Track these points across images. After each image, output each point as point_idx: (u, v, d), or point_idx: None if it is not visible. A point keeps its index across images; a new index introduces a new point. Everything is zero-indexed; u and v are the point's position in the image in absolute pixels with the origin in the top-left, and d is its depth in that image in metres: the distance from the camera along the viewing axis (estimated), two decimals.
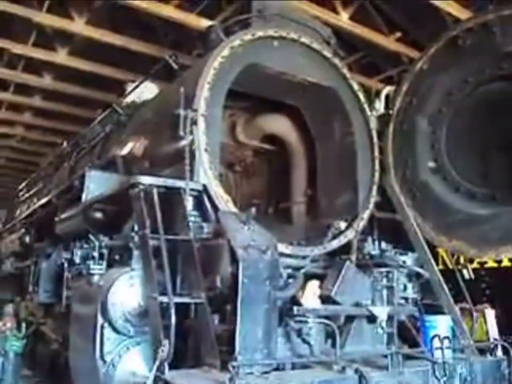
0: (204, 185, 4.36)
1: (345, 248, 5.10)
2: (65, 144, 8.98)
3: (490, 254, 5.20)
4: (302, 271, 4.70)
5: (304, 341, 4.23)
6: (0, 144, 14.32)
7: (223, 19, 5.83)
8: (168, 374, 3.19)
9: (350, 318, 4.55)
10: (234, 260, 3.69)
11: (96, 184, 5.08)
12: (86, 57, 9.33)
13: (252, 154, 6.87)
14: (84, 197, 5.06)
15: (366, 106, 5.76)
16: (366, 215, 5.44)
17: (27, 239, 7.90)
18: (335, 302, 4.42)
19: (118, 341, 3.93)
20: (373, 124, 5.78)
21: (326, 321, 4.23)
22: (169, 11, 7.77)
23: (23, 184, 11.79)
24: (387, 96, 6.12)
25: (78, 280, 4.90)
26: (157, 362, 3.21)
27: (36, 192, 9.60)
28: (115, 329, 3.92)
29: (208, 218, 4.30)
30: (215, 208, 4.34)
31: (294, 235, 5.43)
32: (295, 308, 4.08)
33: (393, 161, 5.86)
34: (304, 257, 4.86)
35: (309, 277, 4.59)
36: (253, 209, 4.06)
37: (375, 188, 5.60)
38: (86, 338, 4.09)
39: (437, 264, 5.63)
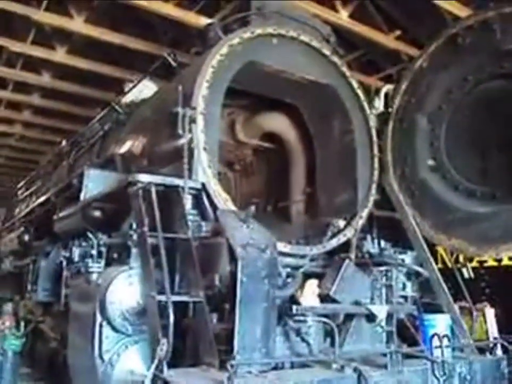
0: (203, 184, 4.35)
1: (344, 247, 5.09)
2: (64, 142, 8.96)
3: (490, 252, 5.18)
4: (301, 270, 4.70)
5: (303, 339, 4.23)
6: None
7: (222, 17, 5.81)
8: (166, 372, 3.18)
9: (349, 317, 4.53)
10: (233, 259, 3.68)
11: (95, 182, 5.07)
12: (85, 55, 9.31)
13: (251, 153, 6.86)
14: (82, 195, 5.04)
15: (365, 104, 5.75)
16: (365, 213, 5.43)
17: (26, 237, 7.88)
18: (334, 301, 4.41)
19: (116, 340, 3.93)
20: (372, 122, 5.77)
21: (325, 320, 4.22)
22: (168, 9, 7.75)
23: (22, 183, 11.78)
24: (386, 95, 6.11)
25: (77, 279, 4.89)
26: (155, 361, 3.20)
27: (34, 190, 9.58)
28: (113, 328, 3.91)
29: (207, 216, 4.29)
30: (214, 206, 4.33)
31: (293, 234, 5.43)
32: (294, 307, 4.06)
33: (392, 160, 5.85)
34: (303, 256, 4.85)
35: (308, 276, 4.58)
36: (252, 208, 4.05)
37: (374, 186, 5.60)
38: (84, 337, 4.09)
39: (436, 263, 5.62)
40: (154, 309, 3.52)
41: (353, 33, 8.67)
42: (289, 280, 4.48)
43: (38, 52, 9.01)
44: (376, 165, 5.67)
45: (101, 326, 3.91)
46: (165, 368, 3.19)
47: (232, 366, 2.98)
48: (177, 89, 4.49)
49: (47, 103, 11.30)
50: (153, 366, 3.17)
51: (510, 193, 5.11)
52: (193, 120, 4.37)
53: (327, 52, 5.57)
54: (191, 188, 4.24)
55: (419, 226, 5.48)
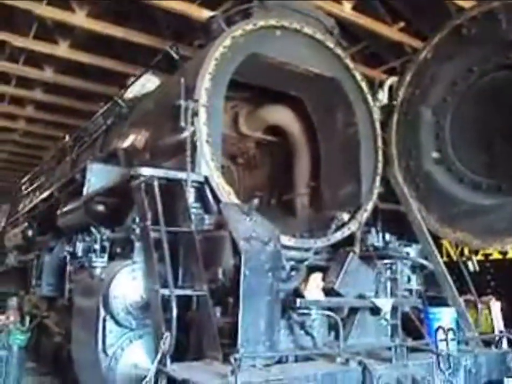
0: (206, 177, 4.33)
1: (349, 240, 5.06)
2: (67, 137, 8.94)
3: (495, 245, 5.15)
4: (305, 263, 4.67)
5: (307, 333, 4.21)
6: (2, 138, 14.31)
7: (224, 9, 5.76)
8: (170, 366, 3.16)
9: (353, 310, 4.51)
10: (236, 252, 3.66)
11: (98, 177, 5.06)
12: (87, 49, 9.27)
13: (255, 146, 6.83)
14: (85, 189, 5.04)
15: (369, 96, 5.71)
16: (369, 206, 5.40)
17: (30, 232, 7.89)
18: (338, 294, 4.38)
19: (120, 334, 3.92)
20: (376, 115, 5.73)
21: (329, 313, 4.20)
22: (171, 2, 7.69)
23: (26, 178, 11.78)
24: (391, 87, 6.06)
25: (80, 273, 4.88)
26: (159, 355, 3.18)
27: (38, 186, 9.58)
28: (117, 322, 3.91)
29: (210, 210, 4.28)
30: (217, 199, 4.31)
31: (297, 227, 5.40)
32: (298, 300, 4.04)
33: (397, 152, 5.82)
34: (307, 250, 4.82)
35: (312, 269, 4.55)
36: (255, 201, 4.03)
37: (378, 179, 5.56)
38: (88, 331, 4.08)
39: (441, 256, 5.58)
40: (158, 303, 3.50)
41: (357, 25, 8.60)
42: (293, 273, 4.45)
43: (40, 47, 8.98)
44: (380, 157, 5.64)
45: (104, 320, 3.91)
46: (168, 362, 3.18)
47: (235, 359, 2.95)
48: (180, 82, 4.47)
49: (49, 98, 11.28)
50: (157, 360, 3.16)
51: None
52: (195, 113, 4.34)
53: (330, 44, 5.53)
54: (194, 181, 4.23)
55: (424, 219, 5.45)
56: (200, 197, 4.33)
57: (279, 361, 3.66)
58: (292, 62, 5.29)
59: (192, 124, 4.34)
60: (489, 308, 5.31)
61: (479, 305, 5.25)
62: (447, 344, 4.07)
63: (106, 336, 3.88)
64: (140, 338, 3.92)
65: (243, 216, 3.96)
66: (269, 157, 6.82)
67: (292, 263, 4.59)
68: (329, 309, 4.26)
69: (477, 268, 5.91)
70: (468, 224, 5.27)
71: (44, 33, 8.88)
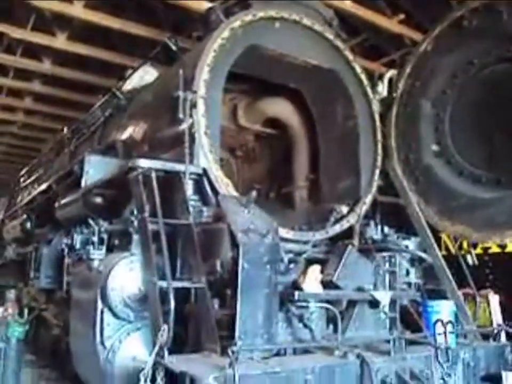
0: (204, 169, 4.31)
1: (347, 233, 5.05)
2: (65, 130, 8.91)
3: (494, 238, 5.14)
4: (304, 256, 4.66)
5: (305, 326, 4.21)
6: (1, 130, 14.27)
7: (223, 0, 5.72)
8: (167, 358, 3.15)
9: (352, 303, 4.50)
10: (234, 244, 3.65)
11: (96, 169, 5.03)
12: (85, 41, 9.23)
13: (254, 138, 6.81)
14: (83, 181, 5.01)
15: (368, 89, 5.68)
16: (368, 199, 5.38)
17: (28, 225, 7.87)
18: (336, 287, 4.37)
19: (118, 326, 3.91)
20: (376, 107, 5.70)
21: (327, 306, 4.20)
22: None
23: (24, 171, 11.75)
24: (390, 80, 6.03)
25: (78, 266, 4.87)
26: (156, 347, 3.17)
27: (36, 178, 9.56)
28: (115, 315, 3.89)
29: (208, 202, 4.26)
30: (215, 192, 4.29)
31: (296, 220, 5.39)
32: (296, 293, 4.04)
33: (396, 145, 5.79)
34: (305, 242, 4.81)
35: (310, 262, 4.55)
36: (253, 193, 4.01)
37: (377, 172, 5.54)
38: (86, 324, 4.07)
39: (440, 249, 5.57)
40: (156, 295, 3.49)
41: (356, 17, 8.55)
42: (291, 266, 4.45)
43: (38, 38, 8.93)
44: (379, 150, 5.61)
45: (102, 312, 3.89)
46: (166, 354, 3.17)
47: (233, 352, 2.94)
48: (178, 73, 4.44)
49: (48, 90, 11.24)
50: (154, 352, 3.14)
51: None
52: (194, 105, 4.32)
53: (329, 35, 5.49)
54: (192, 173, 4.21)
55: (423, 212, 5.43)
56: (199, 189, 4.31)
57: (277, 354, 3.65)
58: (291, 53, 5.26)
59: (191, 115, 4.32)
60: (487, 301, 5.31)
61: (478, 299, 5.25)
62: (445, 337, 4.06)
63: (104, 328, 3.87)
64: (138, 330, 3.90)
65: (241, 208, 3.95)
66: (268, 150, 6.79)
67: (290, 255, 4.59)
68: (328, 301, 4.25)
69: (476, 262, 5.90)
70: (468, 218, 5.25)
71: (42, 24, 8.83)
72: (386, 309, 4.51)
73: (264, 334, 3.59)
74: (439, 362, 3.96)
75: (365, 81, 5.65)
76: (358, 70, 5.64)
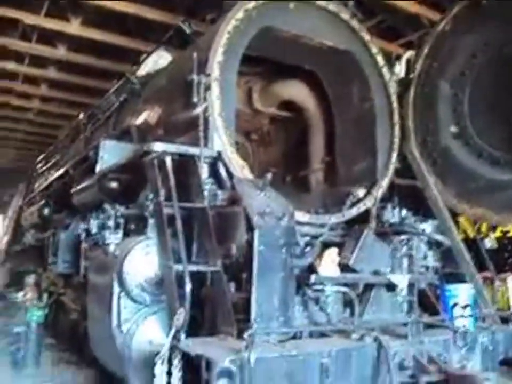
0: (219, 152, 4.28)
1: (364, 216, 5.00)
2: (81, 115, 8.95)
3: None
4: (320, 239, 4.62)
5: (321, 309, 4.19)
6: (18, 117, 14.37)
7: None
8: (184, 342, 3.16)
9: (368, 287, 4.47)
10: (250, 227, 3.63)
11: (111, 153, 5.04)
12: (100, 27, 9.20)
13: (269, 122, 6.76)
14: (98, 166, 5.03)
15: (385, 70, 5.58)
16: (385, 182, 5.31)
17: (46, 211, 7.95)
18: (353, 270, 4.34)
19: (134, 310, 3.93)
20: (393, 89, 5.60)
21: (344, 289, 4.17)
22: None
23: (41, 157, 11.86)
24: (408, 61, 5.92)
25: (95, 250, 4.90)
26: (173, 331, 3.18)
27: (53, 164, 9.64)
28: (131, 298, 3.92)
29: (224, 185, 4.23)
30: (230, 175, 4.26)
31: (312, 203, 5.34)
32: (312, 276, 4.01)
33: (414, 127, 5.69)
34: (322, 226, 4.76)
35: (326, 245, 4.51)
36: (269, 175, 3.97)
37: (394, 154, 5.46)
38: (103, 308, 4.10)
39: (458, 233, 5.50)
40: (172, 279, 3.49)
41: None
42: (307, 249, 4.41)
43: (52, 24, 8.93)
44: (396, 132, 5.53)
45: (119, 296, 3.92)
46: (183, 337, 3.18)
47: (249, 335, 2.93)
48: (192, 56, 4.40)
49: (63, 76, 11.26)
50: (171, 335, 3.15)
51: None
52: (208, 87, 4.28)
53: (345, 16, 5.39)
54: (206, 157, 4.18)
55: (441, 195, 5.35)
56: (214, 172, 4.28)
57: (294, 337, 3.64)
58: (305, 34, 5.17)
59: (205, 98, 4.28)
60: (506, 285, 5.24)
61: (497, 282, 5.18)
62: (464, 321, 4.02)
63: (120, 312, 3.90)
64: (154, 314, 3.92)
65: (257, 191, 3.92)
66: (283, 133, 6.74)
67: (307, 239, 4.55)
68: (344, 285, 4.22)
69: (495, 245, 5.82)
70: (487, 200, 5.16)
71: (56, 10, 8.81)
72: (404, 293, 4.47)
73: (280, 317, 3.58)
74: (457, 346, 3.92)
75: (382, 62, 5.55)
76: (375, 50, 5.54)
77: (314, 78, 5.82)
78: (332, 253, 4.28)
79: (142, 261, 3.93)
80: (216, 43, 4.48)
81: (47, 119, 14.28)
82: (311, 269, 4.18)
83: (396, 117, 5.55)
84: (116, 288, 3.92)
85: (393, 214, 5.03)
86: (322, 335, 3.83)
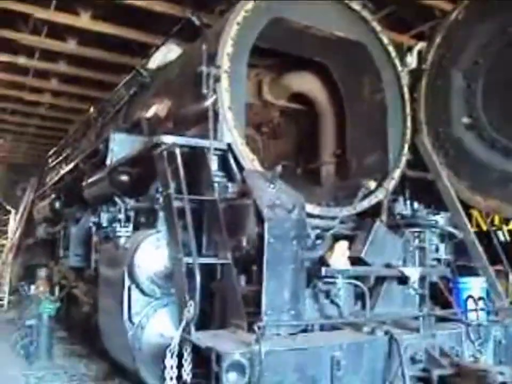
0: (229, 144, 4.25)
1: (376, 209, 4.96)
2: (91, 109, 8.97)
3: None
4: (331, 232, 4.59)
5: (332, 302, 4.15)
6: (29, 112, 14.41)
7: None
8: (194, 334, 3.15)
9: (380, 279, 4.44)
10: (260, 220, 3.60)
11: (121, 146, 5.04)
12: (109, 20, 9.17)
13: (279, 114, 6.72)
14: (108, 160, 5.03)
15: (397, 61, 5.51)
16: (397, 174, 5.27)
17: (57, 204, 8.01)
18: (364, 263, 4.30)
19: (145, 303, 3.94)
20: (404, 80, 5.54)
21: (355, 282, 4.14)
22: None
23: (52, 151, 11.91)
24: (419, 53, 5.85)
25: (105, 244, 4.91)
26: (183, 323, 3.17)
27: (64, 158, 9.68)
28: (142, 291, 3.93)
29: (234, 178, 4.21)
30: (240, 167, 4.24)
31: (323, 196, 5.31)
32: (323, 269, 3.99)
33: (426, 118, 5.63)
34: (333, 218, 4.72)
35: (337, 238, 4.47)
36: (279, 168, 3.94)
37: (406, 146, 5.41)
38: (114, 301, 4.12)
39: (471, 226, 5.44)
40: (182, 272, 3.48)
41: None
42: (318, 242, 4.38)
43: (62, 18, 8.89)
44: (408, 123, 5.47)
45: (129, 289, 3.93)
46: (193, 330, 3.17)
47: (259, 327, 2.92)
48: (202, 49, 4.37)
49: (73, 71, 11.24)
50: (181, 328, 3.14)
51: None
52: (217, 79, 4.25)
53: (356, 6, 5.33)
54: (216, 149, 4.16)
55: (454, 187, 5.29)
56: (224, 164, 4.27)
57: (304, 330, 3.62)
58: (316, 25, 5.12)
59: (215, 90, 4.25)
60: None
61: (510, 275, 5.12)
62: (477, 314, 3.97)
63: (131, 305, 3.92)
64: (165, 307, 3.93)
65: (267, 183, 3.89)
66: (294, 126, 6.70)
67: (317, 231, 4.52)
68: (356, 278, 4.19)
69: (508, 238, 5.75)
70: (501, 192, 5.10)
71: (65, 4, 8.79)
72: (416, 286, 4.43)
73: (291, 310, 3.56)
74: (470, 339, 3.88)
75: (393, 53, 5.49)
76: (386, 41, 5.48)
77: (325, 70, 5.78)
78: (343, 245, 4.24)
79: (153, 254, 3.93)
80: (226, 34, 4.45)
81: (58, 113, 14.28)
82: (322, 261, 4.15)
83: (408, 109, 5.50)
84: (127, 281, 3.92)
85: (405, 207, 4.97)
86: (333, 328, 3.80)
